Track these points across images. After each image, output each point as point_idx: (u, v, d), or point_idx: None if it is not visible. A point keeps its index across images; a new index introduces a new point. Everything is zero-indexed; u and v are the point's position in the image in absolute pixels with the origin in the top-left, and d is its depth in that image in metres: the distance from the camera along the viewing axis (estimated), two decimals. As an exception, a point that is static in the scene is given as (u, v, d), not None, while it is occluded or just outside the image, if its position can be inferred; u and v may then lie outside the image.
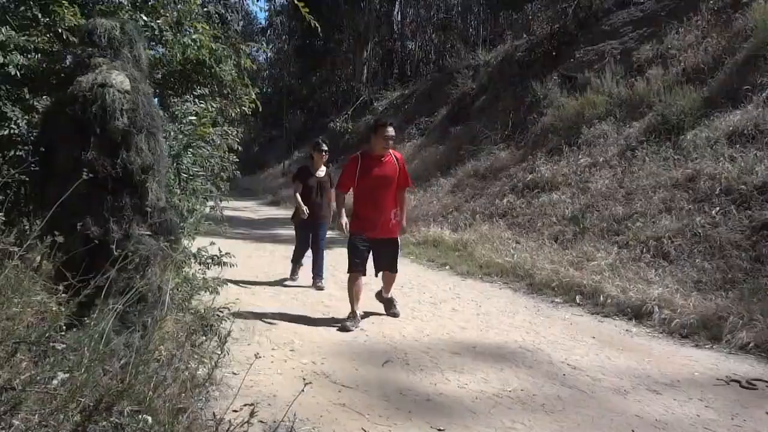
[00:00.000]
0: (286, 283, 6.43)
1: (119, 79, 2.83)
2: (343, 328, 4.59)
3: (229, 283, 4.67)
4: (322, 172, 6.39)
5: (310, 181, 6.31)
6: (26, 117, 3.32)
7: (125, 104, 2.79)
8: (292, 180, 6.73)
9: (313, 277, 6.24)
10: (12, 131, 3.24)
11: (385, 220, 4.84)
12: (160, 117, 3.08)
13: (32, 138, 3.30)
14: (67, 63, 3.83)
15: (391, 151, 4.91)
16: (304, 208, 6.13)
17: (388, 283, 5.12)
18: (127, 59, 3.03)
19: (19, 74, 3.31)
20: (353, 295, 4.79)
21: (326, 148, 6.51)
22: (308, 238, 6.40)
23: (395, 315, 5.04)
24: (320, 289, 6.10)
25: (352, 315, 4.73)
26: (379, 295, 5.19)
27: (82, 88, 2.79)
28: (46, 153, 2.87)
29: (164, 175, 3.04)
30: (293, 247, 6.65)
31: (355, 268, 4.81)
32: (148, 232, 2.87)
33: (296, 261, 6.55)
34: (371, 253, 4.90)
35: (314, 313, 5.19)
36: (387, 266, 5.01)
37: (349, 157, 5.10)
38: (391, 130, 4.85)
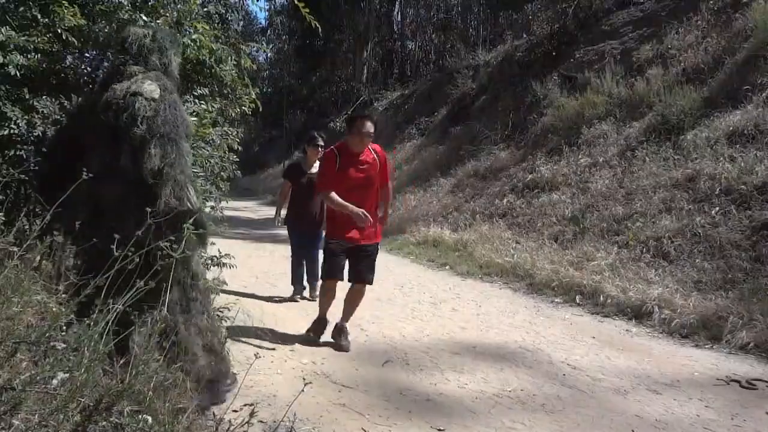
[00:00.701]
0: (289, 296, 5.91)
1: (150, 88, 2.87)
2: (313, 331, 4.38)
3: (228, 284, 4.68)
4: (315, 169, 5.46)
5: (302, 180, 5.69)
6: (26, 117, 3.32)
7: (148, 112, 2.83)
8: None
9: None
10: (12, 131, 3.24)
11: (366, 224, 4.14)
12: (185, 124, 3.06)
13: (34, 138, 3.31)
14: (67, 63, 3.84)
15: (370, 145, 4.23)
16: (280, 215, 5.95)
17: (352, 301, 4.34)
18: (155, 66, 3.05)
19: (19, 74, 3.31)
20: (326, 301, 4.41)
21: (322, 143, 5.71)
22: (304, 245, 5.80)
23: (342, 348, 4.15)
24: (315, 299, 5.54)
25: (321, 320, 4.42)
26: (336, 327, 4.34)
27: (116, 96, 2.85)
28: (79, 156, 2.89)
29: (186, 177, 2.99)
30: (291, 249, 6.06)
31: (333, 276, 4.27)
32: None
33: (297, 282, 5.86)
34: (347, 260, 4.28)
35: (314, 313, 5.17)
36: (361, 276, 4.25)
37: (324, 152, 4.53)
38: (369, 125, 4.12)
